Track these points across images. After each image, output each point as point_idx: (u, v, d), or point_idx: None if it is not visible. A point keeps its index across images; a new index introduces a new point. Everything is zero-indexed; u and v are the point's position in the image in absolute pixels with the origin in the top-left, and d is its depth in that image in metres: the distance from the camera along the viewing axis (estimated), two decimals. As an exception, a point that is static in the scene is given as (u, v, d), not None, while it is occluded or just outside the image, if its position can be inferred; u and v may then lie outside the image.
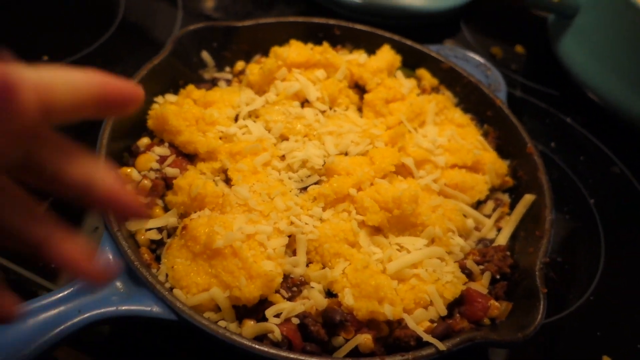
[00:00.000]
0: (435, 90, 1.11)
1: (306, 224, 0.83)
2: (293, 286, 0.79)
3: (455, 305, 0.81)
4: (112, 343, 0.83)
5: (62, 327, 0.67)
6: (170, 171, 0.88)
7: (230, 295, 0.74)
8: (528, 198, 0.94)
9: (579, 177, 1.17)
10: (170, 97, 0.98)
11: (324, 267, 0.80)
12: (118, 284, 0.73)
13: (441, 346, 0.72)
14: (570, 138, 1.26)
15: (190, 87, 0.98)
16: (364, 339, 0.74)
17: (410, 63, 1.13)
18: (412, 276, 0.80)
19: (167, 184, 0.88)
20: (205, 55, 1.07)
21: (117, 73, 0.94)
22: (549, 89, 1.36)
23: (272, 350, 0.70)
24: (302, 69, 1.03)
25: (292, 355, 0.70)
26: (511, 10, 1.56)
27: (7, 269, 0.85)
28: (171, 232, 0.83)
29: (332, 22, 1.13)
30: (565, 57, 1.30)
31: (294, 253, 0.82)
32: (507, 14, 1.57)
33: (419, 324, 0.77)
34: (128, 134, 0.92)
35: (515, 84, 1.36)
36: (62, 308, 0.68)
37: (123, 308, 0.71)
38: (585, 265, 1.03)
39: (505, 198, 0.99)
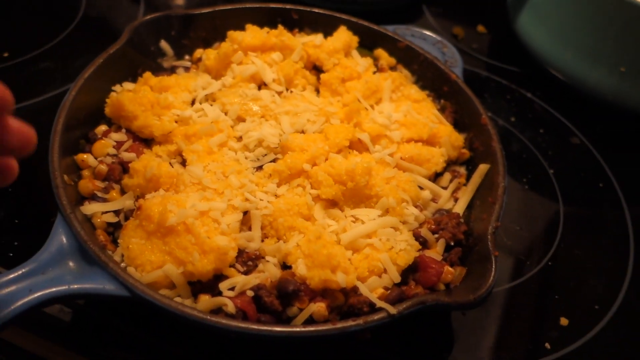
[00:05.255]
0: (392, 69, 1.12)
1: (260, 199, 0.84)
2: (248, 260, 0.80)
3: (410, 272, 0.82)
4: (74, 328, 0.84)
5: (12, 306, 0.67)
6: (126, 156, 0.89)
7: (185, 270, 0.75)
8: (483, 167, 0.95)
9: (538, 148, 1.19)
10: (128, 85, 0.99)
11: (279, 241, 0.82)
12: (71, 263, 0.74)
13: (391, 309, 0.73)
14: (531, 112, 1.28)
15: (147, 75, 1.00)
16: (318, 307, 0.75)
17: (368, 44, 1.15)
18: (366, 245, 0.81)
19: (124, 168, 0.89)
20: (164, 44, 1.09)
21: (78, 67, 0.97)
22: (510, 66, 1.38)
23: (224, 321, 0.71)
24: (258, 52, 1.04)
25: (242, 325, 0.71)
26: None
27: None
28: (129, 215, 0.84)
29: (288, 6, 1.15)
30: (524, 34, 1.32)
31: (251, 229, 0.83)
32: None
33: (372, 291, 0.78)
34: (85, 122, 0.93)
35: (477, 63, 1.37)
36: (12, 288, 0.69)
37: (75, 286, 0.71)
38: (544, 233, 1.04)
39: (462, 170, 1.00)
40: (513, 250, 1.00)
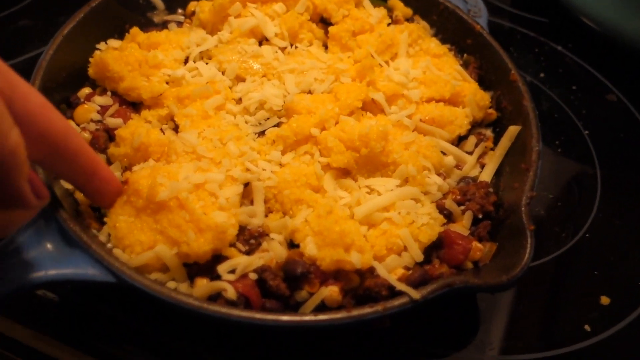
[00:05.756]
0: (409, 20, 1.01)
1: (263, 169, 0.75)
2: (251, 238, 0.71)
3: (434, 249, 0.73)
4: (60, 316, 0.77)
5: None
6: (112, 122, 0.80)
7: (179, 251, 0.67)
8: (513, 129, 0.85)
9: (571, 107, 1.08)
10: (114, 43, 0.89)
11: (284, 216, 0.72)
12: (49, 245, 0.65)
13: (414, 294, 0.64)
14: (562, 67, 1.16)
15: (135, 30, 0.89)
16: (330, 291, 0.66)
17: (381, -7, 1.03)
18: (383, 220, 0.72)
19: (110, 136, 0.80)
20: (154, -5, 0.98)
21: (61, 24, 0.87)
22: (537, 16, 1.26)
23: (224, 310, 0.62)
24: (258, 3, 0.94)
25: (245, 314, 0.62)
26: None
27: None
28: (116, 188, 0.75)
29: (292, -49, 1.03)
30: (554, -20, 1.20)
31: (253, 203, 0.74)
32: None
33: (391, 271, 0.69)
34: (66, 84, 0.84)
35: (500, 14, 1.25)
36: (-19, 275, 0.60)
37: (53, 272, 0.63)
38: (580, 201, 0.95)
39: (489, 133, 0.90)
40: (546, 221, 0.91)
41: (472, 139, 0.87)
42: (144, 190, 0.69)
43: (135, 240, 0.68)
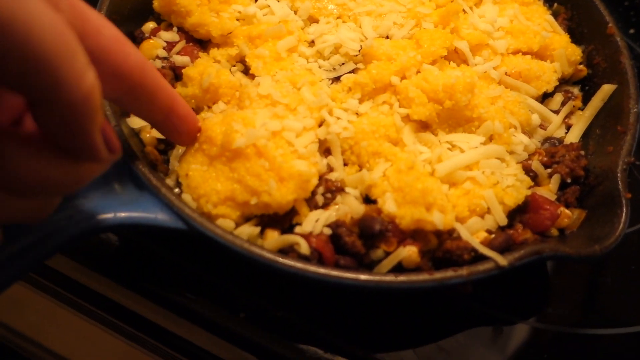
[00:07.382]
0: (494, -37, 0.93)
1: (339, 118, 0.69)
2: (328, 192, 0.67)
3: (517, 213, 0.68)
4: (121, 255, 0.74)
5: (50, 238, 0.56)
6: (179, 59, 0.76)
7: (259, 202, 0.62)
8: (607, 88, 0.78)
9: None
10: (180, -26, 0.83)
11: (360, 170, 0.68)
12: (117, 187, 0.62)
13: (501, 260, 0.60)
14: (655, 22, 1.07)
15: (203, -39, 0.83)
16: (409, 251, 0.62)
17: None
18: (467, 179, 0.67)
19: (176, 74, 0.76)
20: None
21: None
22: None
23: (298, 264, 0.59)
24: (334, -63, 0.86)
25: (322, 271, 0.58)
26: None
27: None
28: (182, 130, 0.71)
29: None
30: None
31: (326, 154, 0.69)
32: None
33: (473, 234, 0.64)
34: (131, 17, 0.79)
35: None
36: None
37: (122, 215, 0.60)
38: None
39: (576, 91, 0.83)
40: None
41: (558, 97, 0.81)
42: (217, 137, 0.64)
43: (210, 189, 0.63)
